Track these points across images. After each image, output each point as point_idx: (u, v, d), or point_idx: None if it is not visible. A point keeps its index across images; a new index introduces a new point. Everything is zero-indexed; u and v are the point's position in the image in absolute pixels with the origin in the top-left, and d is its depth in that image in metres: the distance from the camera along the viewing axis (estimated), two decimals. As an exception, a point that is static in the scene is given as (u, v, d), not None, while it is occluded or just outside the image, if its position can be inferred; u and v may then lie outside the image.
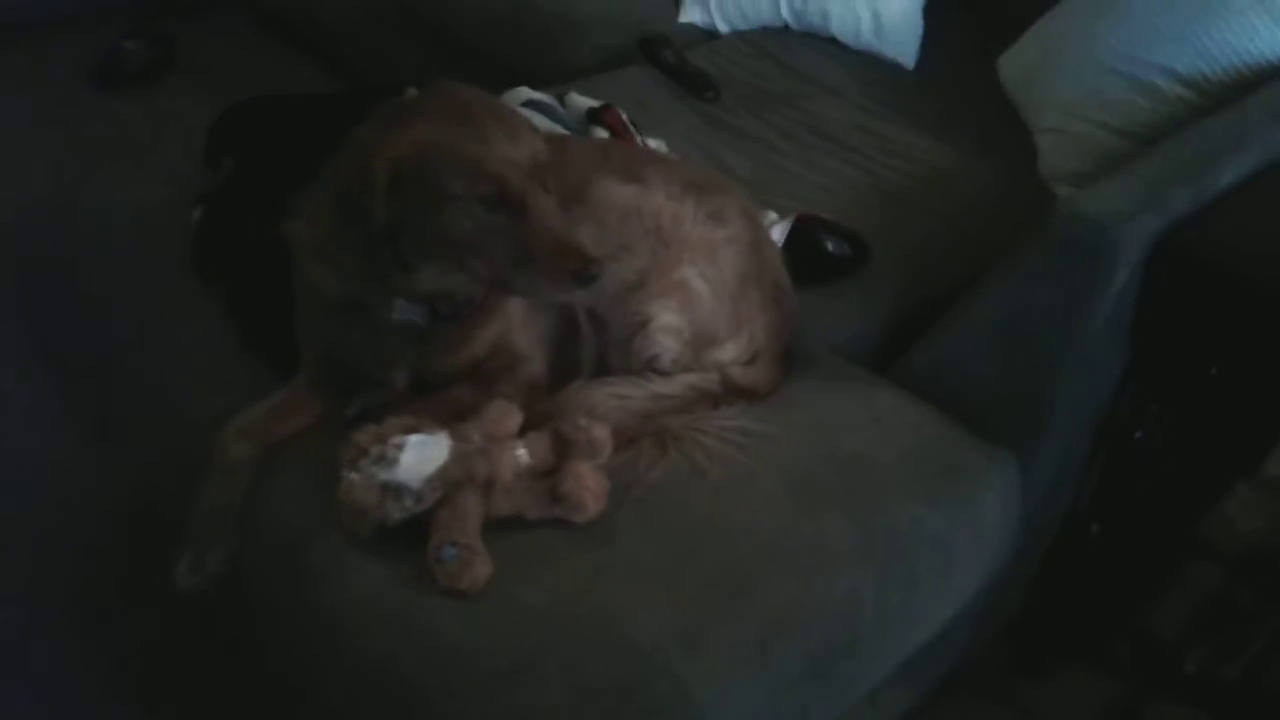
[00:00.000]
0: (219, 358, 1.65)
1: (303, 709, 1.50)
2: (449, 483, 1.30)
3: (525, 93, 2.07)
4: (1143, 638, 1.92)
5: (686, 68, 2.46)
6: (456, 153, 1.27)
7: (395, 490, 1.28)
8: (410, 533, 1.31)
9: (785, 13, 2.72)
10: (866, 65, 2.63)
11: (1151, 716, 1.98)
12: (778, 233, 1.84)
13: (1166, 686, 1.99)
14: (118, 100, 3.41)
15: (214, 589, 1.40)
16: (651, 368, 1.56)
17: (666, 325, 1.54)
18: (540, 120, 1.96)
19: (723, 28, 2.76)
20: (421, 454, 1.29)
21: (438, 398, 1.44)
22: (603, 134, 1.99)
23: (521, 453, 1.36)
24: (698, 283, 1.55)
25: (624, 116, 2.03)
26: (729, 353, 1.59)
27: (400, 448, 1.29)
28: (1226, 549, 2.29)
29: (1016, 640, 2.01)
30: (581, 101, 2.09)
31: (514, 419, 1.40)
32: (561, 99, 2.12)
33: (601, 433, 1.37)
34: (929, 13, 2.66)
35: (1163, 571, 2.20)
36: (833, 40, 2.68)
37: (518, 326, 1.50)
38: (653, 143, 2.05)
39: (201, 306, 1.71)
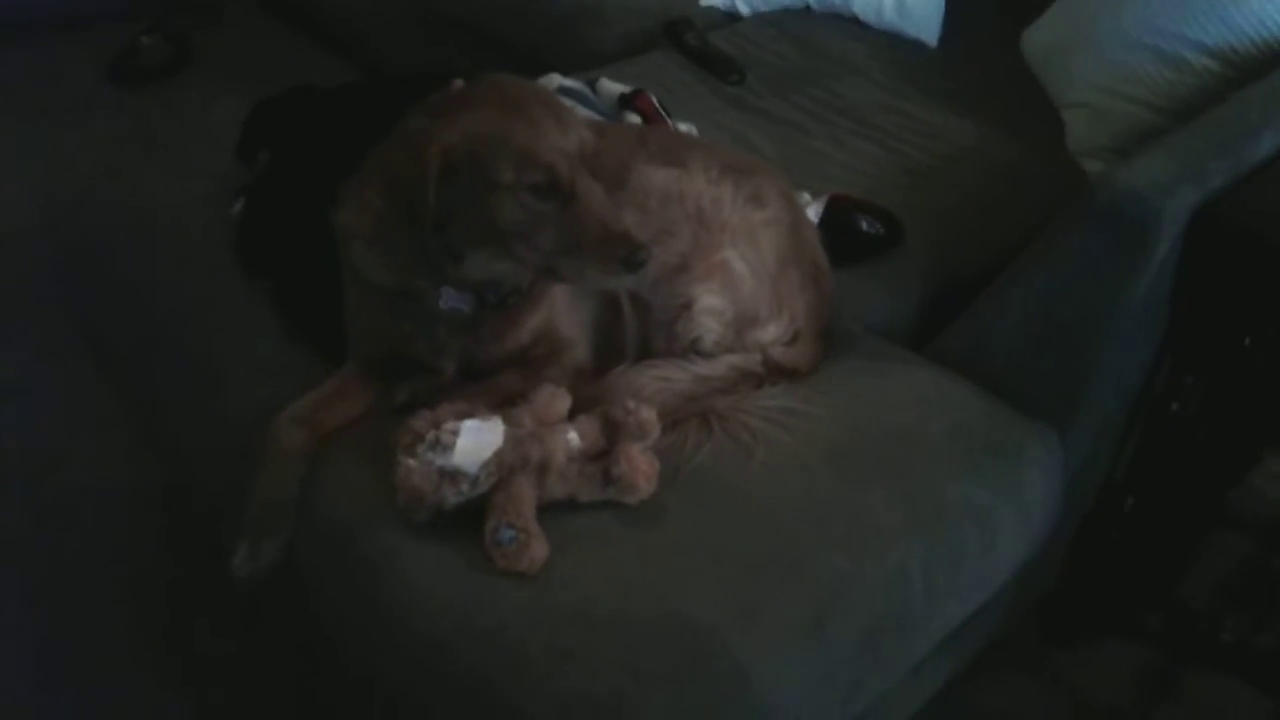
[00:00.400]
0: (262, 348, 1.65)
1: (359, 697, 1.52)
2: (504, 467, 1.31)
3: (557, 79, 2.07)
4: (1176, 607, 1.94)
5: (710, 51, 2.47)
6: (507, 142, 1.29)
7: (451, 475, 1.29)
8: (464, 518, 1.33)
9: (807, -7, 2.73)
10: (889, 44, 2.63)
11: (1186, 685, 2.00)
12: (812, 213, 1.84)
13: (1201, 655, 2.01)
14: (137, 97, 3.43)
15: (270, 578, 1.41)
16: (694, 350, 1.57)
17: (709, 307, 1.55)
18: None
19: (744, 10, 2.77)
20: (477, 439, 1.31)
21: (487, 384, 1.46)
22: (635, 119, 2.00)
23: (572, 436, 1.37)
24: (739, 265, 1.57)
25: (655, 101, 2.04)
26: (770, 333, 1.61)
27: (455, 433, 1.30)
28: (1255, 518, 2.31)
29: (1050, 612, 2.03)
30: (613, 87, 2.09)
31: (563, 403, 1.42)
32: (593, 85, 2.13)
33: (649, 415, 1.39)
34: (951, -11, 2.66)
35: (1194, 542, 2.22)
36: (855, 20, 2.69)
37: (562, 313, 1.51)
38: (683, 126, 2.06)
39: (244, 297, 1.72)
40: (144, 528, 2.16)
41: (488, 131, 1.29)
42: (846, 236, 1.86)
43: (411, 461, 1.30)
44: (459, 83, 1.42)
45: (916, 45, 2.64)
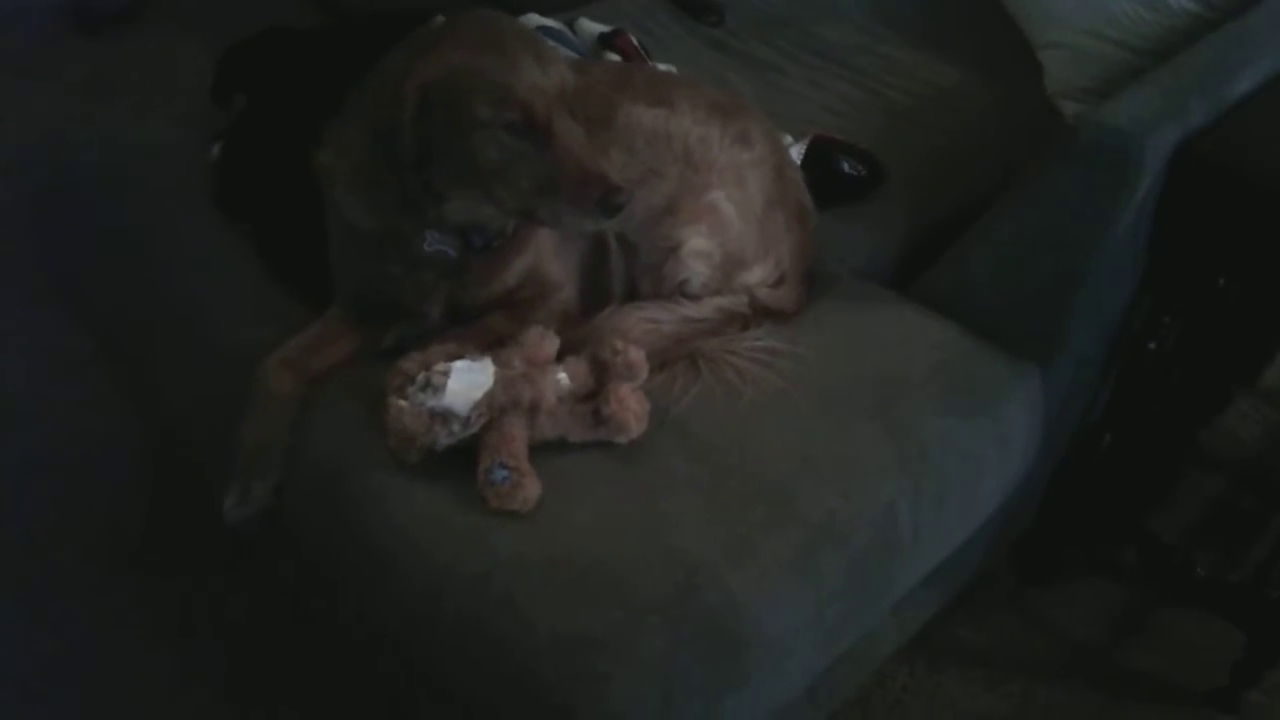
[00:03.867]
0: (242, 292, 1.64)
1: (350, 641, 1.53)
2: (494, 408, 1.31)
3: (535, 19, 2.05)
4: (1150, 544, 1.97)
5: (689, -9, 2.44)
6: (484, 78, 1.27)
7: (443, 416, 1.29)
8: (454, 459, 1.33)
9: (785, -66, 2.69)
10: (867, -15, 2.61)
11: (1160, 620, 2.04)
12: (794, 154, 1.84)
13: (1175, 591, 2.06)
14: (98, 42, 3.36)
15: (261, 521, 1.41)
16: (681, 292, 1.58)
17: (697, 250, 1.55)
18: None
19: (721, -49, 2.72)
20: (467, 380, 1.30)
21: (475, 326, 1.46)
22: (615, 59, 1.98)
23: (562, 377, 1.37)
24: (726, 206, 1.56)
25: (635, 41, 2.02)
26: (756, 275, 1.61)
27: (446, 374, 1.30)
28: (1227, 458, 2.36)
29: (1026, 551, 2.06)
30: (592, 27, 2.07)
31: (552, 344, 1.42)
32: (571, 25, 2.10)
33: (637, 355, 1.39)
34: (928, -70, 2.63)
35: (1168, 481, 2.26)
36: (833, -39, 2.65)
37: (549, 255, 1.51)
38: (663, 67, 2.04)
39: (224, 241, 1.70)
40: (124, 475, 2.15)
41: (465, 67, 1.27)
42: (828, 178, 1.86)
43: (402, 403, 1.30)
44: (439, 19, 1.40)
45: (894, -14, 2.61)
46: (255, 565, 1.75)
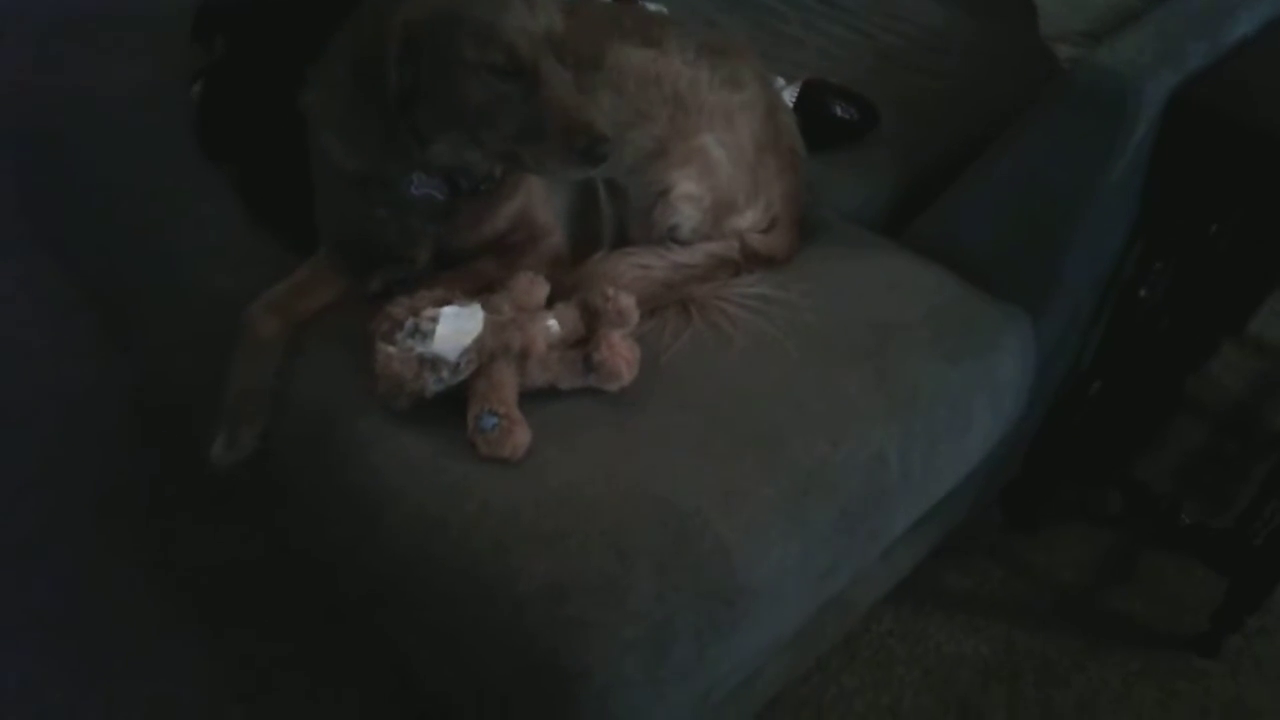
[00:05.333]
0: (225, 235, 1.61)
1: (340, 588, 1.53)
2: (484, 354, 1.30)
3: (522, -42, 2.00)
4: (1136, 490, 1.99)
5: (677, -69, 2.39)
6: (470, 18, 1.24)
7: (432, 362, 1.28)
8: (443, 405, 1.32)
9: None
10: (859, -75, 2.56)
11: (1144, 566, 2.06)
12: (787, 97, 1.82)
13: (1159, 537, 2.07)
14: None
15: (248, 466, 1.40)
16: (672, 237, 1.56)
17: (687, 194, 1.54)
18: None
19: (711, -111, 2.67)
20: (456, 325, 1.29)
21: (463, 271, 1.44)
22: None
23: (552, 323, 1.36)
24: (716, 150, 1.54)
25: (624, -19, 1.98)
26: (748, 220, 1.59)
27: (435, 320, 1.29)
28: (1213, 406, 2.37)
29: (1012, 498, 2.07)
30: (580, -34, 2.02)
31: (542, 290, 1.41)
32: (560, -36, 2.06)
33: (628, 301, 1.37)
34: None
35: (1155, 427, 2.27)
36: (824, -100, 2.61)
37: (539, 199, 1.49)
38: (652, 7, 2.00)
39: (206, 182, 1.67)
40: (110, 422, 2.14)
41: (451, 6, 1.25)
42: (820, 122, 1.83)
43: (391, 349, 1.29)
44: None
45: (887, -73, 2.57)
46: (241, 510, 1.75)
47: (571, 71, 1.32)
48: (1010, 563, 2.06)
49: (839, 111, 1.86)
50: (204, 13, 1.87)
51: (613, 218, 1.56)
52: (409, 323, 1.29)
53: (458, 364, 1.29)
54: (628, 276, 1.49)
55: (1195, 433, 2.31)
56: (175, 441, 1.91)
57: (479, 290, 1.39)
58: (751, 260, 1.58)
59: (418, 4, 1.25)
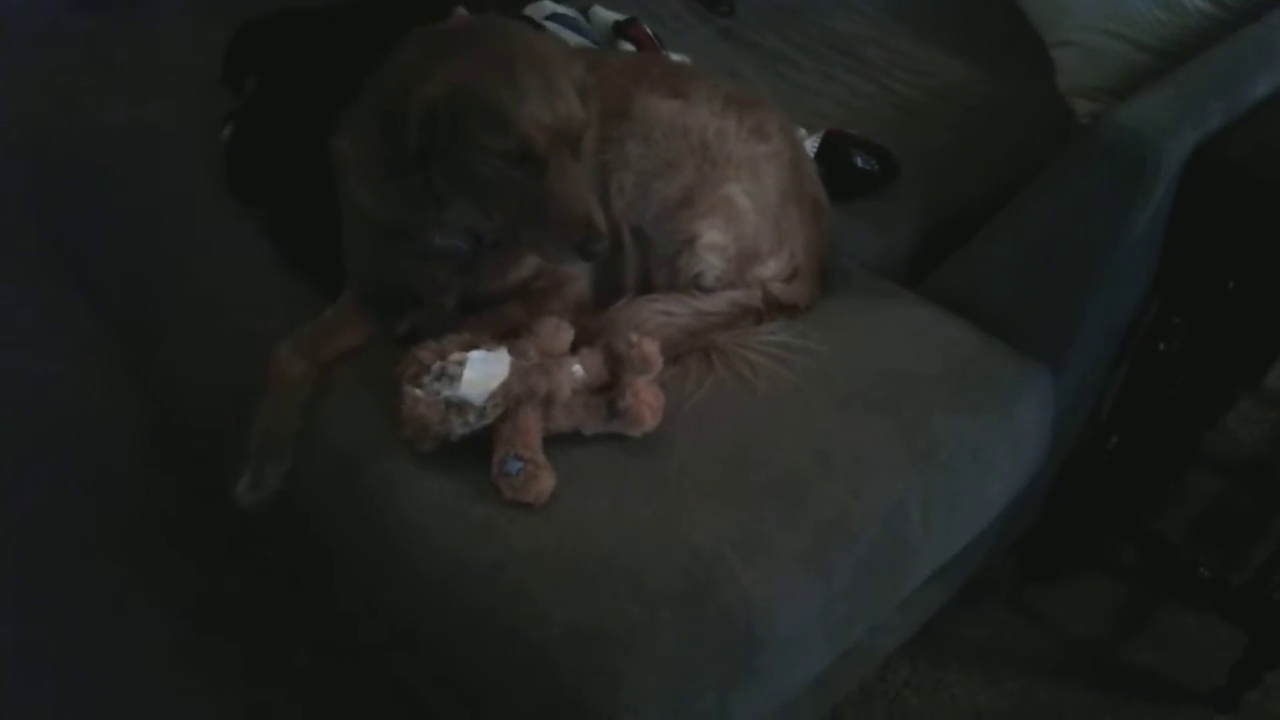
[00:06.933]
0: (255, 276, 1.63)
1: (358, 628, 1.53)
2: (510, 398, 1.31)
3: (549, 6, 2.04)
4: (1152, 544, 1.98)
5: (700, -18, 2.43)
6: (488, 104, 1.27)
7: (458, 406, 1.29)
8: (468, 449, 1.33)
9: (797, -75, 2.67)
10: (879, -22, 2.60)
11: (1161, 619, 2.05)
12: (808, 148, 1.84)
13: (1177, 590, 2.06)
14: (98, 23, 3.34)
15: (272, 505, 1.41)
16: (696, 285, 1.57)
17: (712, 243, 1.55)
18: (565, 35, 1.93)
19: (733, -59, 2.71)
20: (483, 370, 1.30)
21: (490, 315, 1.45)
22: (629, 48, 1.97)
23: (577, 369, 1.37)
24: (742, 200, 1.56)
25: (648, 30, 2.01)
26: (771, 269, 1.61)
27: (462, 364, 1.30)
28: (1228, 458, 2.36)
29: (1029, 549, 2.07)
30: (606, 15, 2.06)
31: (566, 336, 1.41)
32: (585, 12, 2.09)
33: (651, 348, 1.38)
34: (942, -75, 2.62)
35: (1171, 480, 2.27)
36: (844, -47, 2.65)
37: None
38: (676, 57, 2.03)
39: (234, 225, 1.69)
40: (132, 457, 2.15)
41: (472, 89, 1.27)
42: (841, 172, 1.85)
43: (418, 392, 1.30)
44: (461, 11, 1.39)
45: (906, -20, 2.60)
46: (263, 550, 1.75)
47: (598, 119, 1.34)
48: (1027, 614, 2.05)
49: (860, 162, 1.88)
50: (235, 53, 1.89)
51: (637, 265, 1.57)
52: (436, 366, 1.31)
53: (483, 408, 1.30)
54: (651, 323, 1.50)
55: (1210, 485, 2.30)
56: (191, 476, 1.92)
57: (505, 335, 1.40)
58: (774, 309, 1.59)
59: (440, 82, 1.27)
